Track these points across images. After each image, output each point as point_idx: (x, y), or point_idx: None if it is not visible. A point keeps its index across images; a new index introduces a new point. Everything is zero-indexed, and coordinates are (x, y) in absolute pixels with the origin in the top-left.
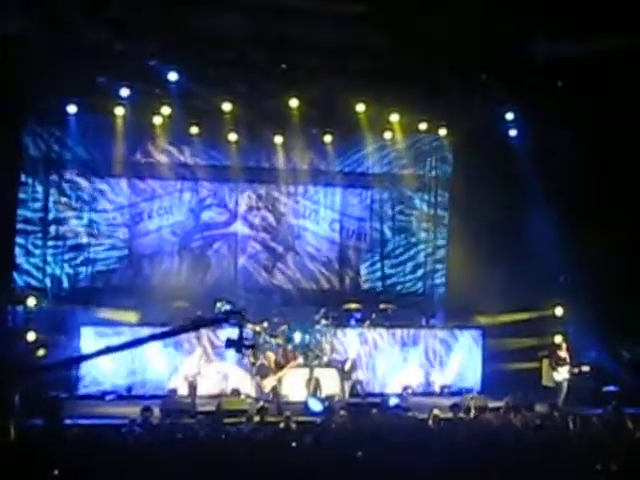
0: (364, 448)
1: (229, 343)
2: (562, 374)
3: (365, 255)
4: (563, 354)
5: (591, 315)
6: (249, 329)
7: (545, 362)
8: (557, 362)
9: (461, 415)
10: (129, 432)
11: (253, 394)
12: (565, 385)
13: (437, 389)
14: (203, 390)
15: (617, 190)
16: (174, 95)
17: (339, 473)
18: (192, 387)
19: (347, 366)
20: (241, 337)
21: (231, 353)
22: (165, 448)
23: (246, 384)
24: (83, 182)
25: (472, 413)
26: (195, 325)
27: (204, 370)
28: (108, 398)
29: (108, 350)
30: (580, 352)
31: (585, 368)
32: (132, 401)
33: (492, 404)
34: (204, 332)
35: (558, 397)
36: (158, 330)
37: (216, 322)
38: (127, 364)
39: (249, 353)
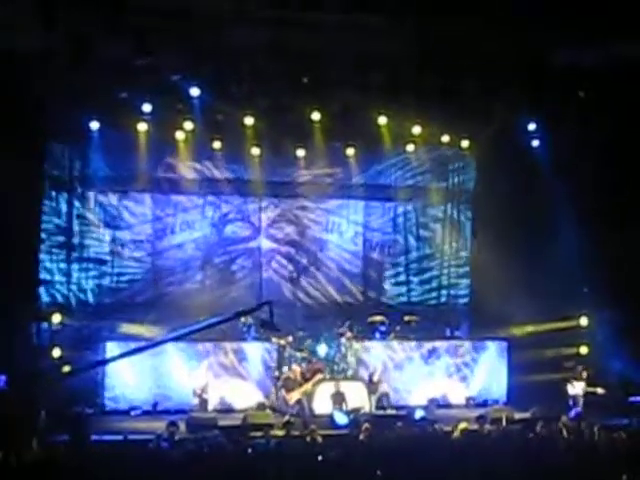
0: (390, 462)
1: (263, 323)
2: (576, 389)
3: (388, 267)
4: (582, 370)
5: (617, 325)
6: (274, 342)
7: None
8: (574, 377)
9: (488, 427)
10: (155, 447)
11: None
12: (580, 400)
13: (463, 401)
14: (214, 404)
15: None
16: (196, 110)
17: None
18: (203, 401)
19: (375, 377)
20: (272, 320)
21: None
22: (192, 463)
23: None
24: (106, 198)
25: (499, 424)
26: (230, 317)
27: (212, 383)
28: (134, 413)
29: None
30: (606, 362)
31: (600, 390)
32: (158, 416)
33: (518, 415)
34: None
35: (571, 409)
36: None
37: (251, 311)
38: (152, 379)
39: (274, 367)
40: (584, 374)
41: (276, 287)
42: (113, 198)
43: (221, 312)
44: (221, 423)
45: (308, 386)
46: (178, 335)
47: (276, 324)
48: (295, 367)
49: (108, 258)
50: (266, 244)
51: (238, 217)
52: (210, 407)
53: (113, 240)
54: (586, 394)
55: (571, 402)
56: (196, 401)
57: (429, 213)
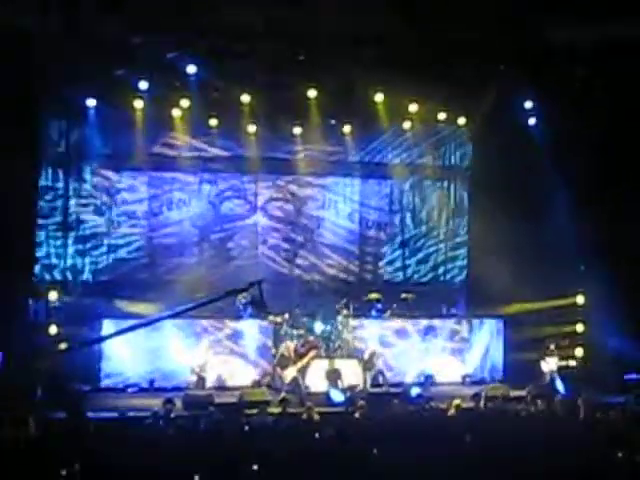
0: (386, 439)
1: (253, 302)
2: (549, 365)
3: (385, 245)
4: (552, 346)
5: (613, 303)
6: (270, 320)
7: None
8: (545, 352)
9: (483, 404)
10: (151, 424)
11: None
12: (549, 377)
13: (459, 379)
14: (211, 381)
15: (637, 177)
16: (193, 87)
17: (363, 463)
18: (200, 379)
19: (366, 355)
20: (262, 298)
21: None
22: (188, 440)
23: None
24: (103, 175)
25: (495, 402)
26: (221, 297)
27: (211, 362)
28: (130, 390)
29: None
30: (601, 340)
31: (572, 363)
32: (154, 393)
33: (514, 393)
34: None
35: (539, 384)
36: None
37: (241, 291)
38: (149, 356)
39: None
40: (553, 348)
41: (272, 264)
42: (109, 175)
43: (217, 289)
44: (217, 401)
45: (303, 363)
46: (173, 313)
47: (266, 303)
48: (289, 343)
49: (105, 235)
50: (262, 221)
51: (235, 194)
52: (207, 385)
53: (109, 217)
54: (560, 368)
55: (548, 378)
56: (194, 379)
57: (425, 191)
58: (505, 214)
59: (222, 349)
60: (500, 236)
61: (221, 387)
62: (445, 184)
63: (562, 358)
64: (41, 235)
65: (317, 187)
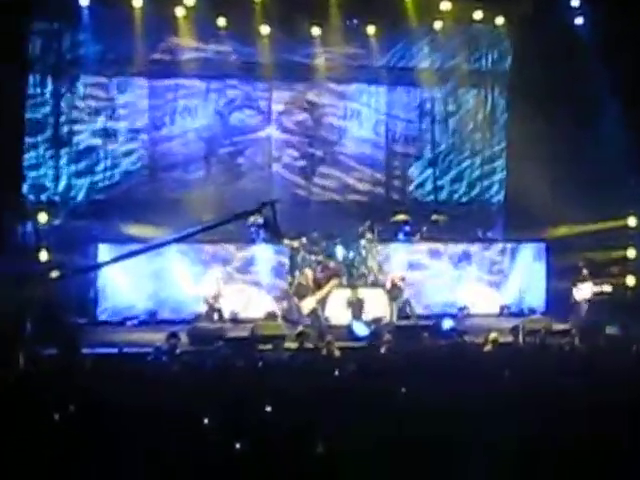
0: (415, 378)
1: (266, 225)
2: (583, 291)
3: (414, 160)
4: (586, 271)
5: None
6: (285, 245)
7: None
8: (578, 279)
9: (523, 339)
10: (154, 361)
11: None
12: (584, 306)
13: (496, 310)
14: (227, 313)
15: None
16: None
17: (388, 403)
18: (212, 310)
19: (398, 283)
20: (275, 221)
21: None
22: (194, 378)
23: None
24: (98, 83)
25: (535, 337)
26: (230, 219)
27: (224, 291)
28: (130, 324)
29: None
30: None
31: (607, 288)
32: (157, 327)
33: (557, 326)
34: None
35: (575, 316)
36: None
37: (252, 213)
38: (150, 285)
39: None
40: (586, 273)
41: (288, 182)
42: (105, 83)
43: (227, 210)
44: (228, 335)
45: (323, 292)
46: (177, 237)
47: (279, 226)
48: (307, 271)
49: (101, 150)
50: (277, 134)
51: (245, 103)
52: (221, 317)
53: (105, 130)
54: (595, 295)
55: (584, 308)
56: (204, 309)
57: (459, 99)
58: (547, 123)
59: (232, 277)
60: (541, 148)
61: (233, 319)
62: (481, 91)
63: (597, 284)
64: (29, 150)
65: (338, 95)
